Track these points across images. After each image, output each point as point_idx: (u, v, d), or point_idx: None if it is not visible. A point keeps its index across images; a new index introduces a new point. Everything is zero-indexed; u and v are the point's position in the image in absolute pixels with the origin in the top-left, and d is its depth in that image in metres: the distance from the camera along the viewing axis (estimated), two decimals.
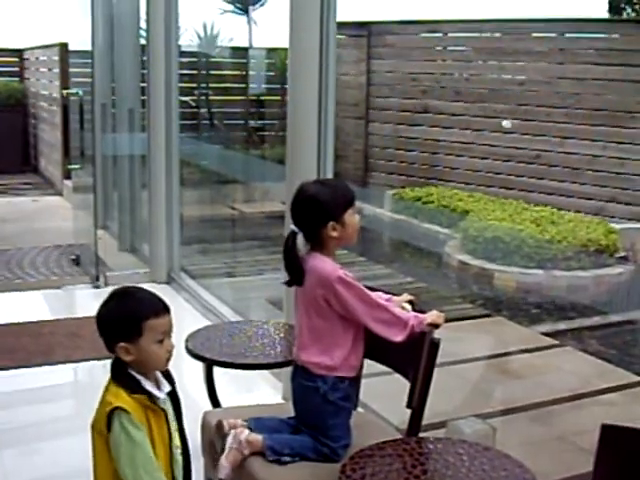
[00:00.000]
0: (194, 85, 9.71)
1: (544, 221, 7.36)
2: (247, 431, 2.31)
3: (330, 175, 3.44)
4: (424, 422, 2.29)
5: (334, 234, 2.29)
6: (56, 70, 9.47)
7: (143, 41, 5.89)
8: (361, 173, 10.37)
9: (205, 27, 10.48)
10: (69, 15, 7.82)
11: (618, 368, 4.80)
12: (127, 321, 1.95)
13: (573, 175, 8.53)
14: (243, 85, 10.31)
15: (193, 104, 9.59)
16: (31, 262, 6.24)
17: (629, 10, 10.25)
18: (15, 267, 6.09)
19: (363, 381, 2.53)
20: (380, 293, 2.39)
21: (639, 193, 7.98)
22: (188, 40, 9.89)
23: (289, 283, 2.36)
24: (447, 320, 2.32)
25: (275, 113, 9.70)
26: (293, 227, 2.32)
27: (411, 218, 8.58)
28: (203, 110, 10.00)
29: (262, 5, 11.58)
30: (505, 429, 3.48)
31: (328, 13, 3.34)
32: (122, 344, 1.94)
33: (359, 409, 2.63)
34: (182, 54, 6.47)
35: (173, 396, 2.07)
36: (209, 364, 2.78)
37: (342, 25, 6.79)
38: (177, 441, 2.05)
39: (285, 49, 3.53)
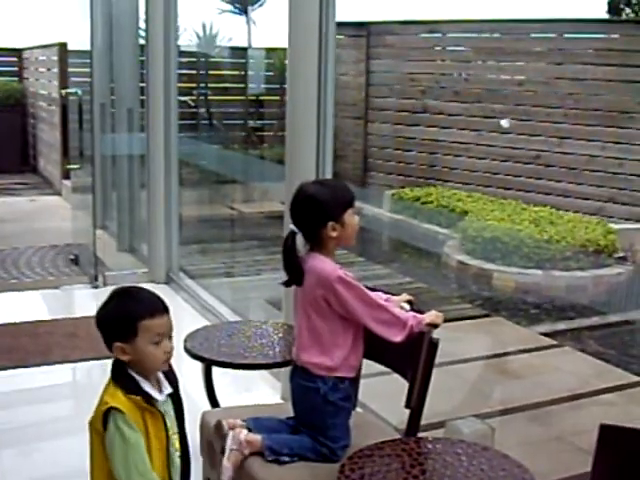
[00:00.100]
0: (193, 85, 9.72)
1: (543, 221, 7.36)
2: (246, 431, 2.31)
3: (329, 175, 3.44)
4: (423, 422, 2.29)
5: (333, 234, 2.29)
6: (55, 70, 9.47)
7: (142, 41, 5.89)
8: (360, 173, 10.38)
9: (204, 27, 10.50)
10: (68, 15, 7.82)
11: (617, 368, 4.81)
12: (123, 321, 1.95)
13: (572, 175, 8.54)
14: (242, 85, 10.31)
15: (192, 104, 9.59)
16: (30, 262, 6.24)
17: (628, 11, 10.26)
18: (13, 267, 6.09)
19: (362, 381, 2.53)
20: (379, 293, 2.39)
21: (638, 193, 7.99)
22: (187, 40, 9.92)
23: (288, 283, 2.36)
24: (446, 320, 2.33)
25: (274, 113, 9.70)
26: (292, 227, 2.32)
27: (410, 218, 8.58)
28: (202, 110, 10.01)
29: (261, 5, 11.60)
30: (504, 429, 3.48)
31: (327, 13, 3.34)
32: (118, 344, 1.95)
33: (358, 409, 2.63)
34: (181, 54, 6.48)
35: (176, 398, 2.06)
36: (208, 364, 2.78)
37: (341, 25, 6.78)
38: (176, 444, 2.04)
39: (284, 49, 3.53)
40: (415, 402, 2.25)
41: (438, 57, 9.92)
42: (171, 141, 5.57)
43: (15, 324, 4.76)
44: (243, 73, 10.32)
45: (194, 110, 9.72)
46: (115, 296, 2.01)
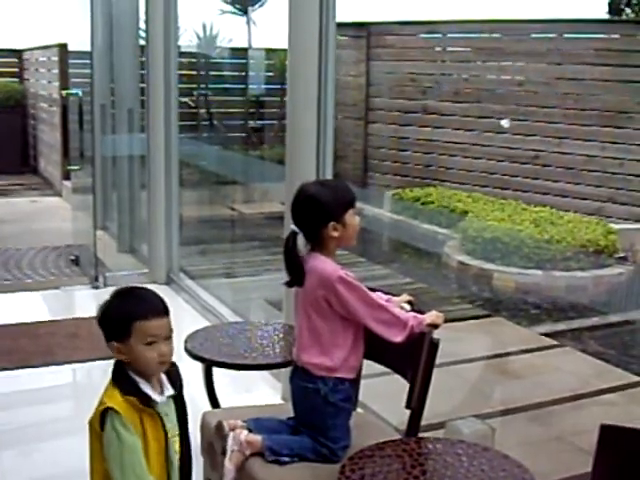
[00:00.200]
0: (193, 86, 9.72)
1: (543, 222, 7.36)
2: (246, 432, 2.31)
3: (329, 176, 3.44)
4: (423, 422, 2.29)
5: (335, 234, 2.29)
6: (55, 71, 9.47)
7: (142, 42, 5.89)
8: (360, 174, 10.38)
9: (204, 28, 10.50)
10: (68, 16, 7.81)
11: (617, 368, 4.81)
12: (117, 321, 1.96)
13: (572, 175, 8.54)
14: (242, 86, 10.31)
15: (192, 105, 9.59)
16: (30, 263, 6.25)
17: (628, 11, 10.25)
18: (14, 268, 6.09)
19: (362, 381, 2.53)
20: (379, 293, 2.39)
21: (637, 193, 7.99)
22: (187, 41, 9.91)
23: (289, 284, 2.36)
24: (446, 320, 2.33)
25: (274, 114, 9.69)
26: (294, 227, 2.32)
27: (410, 219, 8.58)
28: (202, 111, 10.01)
29: (261, 6, 11.59)
30: (504, 429, 3.48)
31: (327, 14, 3.34)
32: (114, 343, 1.95)
33: (358, 409, 2.63)
34: (181, 55, 6.49)
35: (179, 400, 2.06)
36: (208, 365, 2.78)
37: (341, 26, 6.79)
38: (176, 446, 2.03)
39: (284, 50, 3.53)
40: (415, 402, 2.25)
41: (438, 57, 9.92)
42: (171, 142, 5.57)
43: (16, 325, 4.76)
44: (243, 74, 10.32)
45: (194, 111, 9.72)
46: (116, 295, 2.01)
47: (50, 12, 10.56)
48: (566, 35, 8.79)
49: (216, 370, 2.80)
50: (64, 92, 7.33)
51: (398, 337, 2.25)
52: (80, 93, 6.40)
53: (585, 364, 4.87)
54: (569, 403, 4.16)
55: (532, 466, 2.03)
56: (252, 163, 9.61)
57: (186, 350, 2.77)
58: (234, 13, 11.59)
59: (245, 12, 11.46)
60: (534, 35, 9.04)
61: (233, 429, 2.31)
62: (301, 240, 2.31)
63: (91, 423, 1.95)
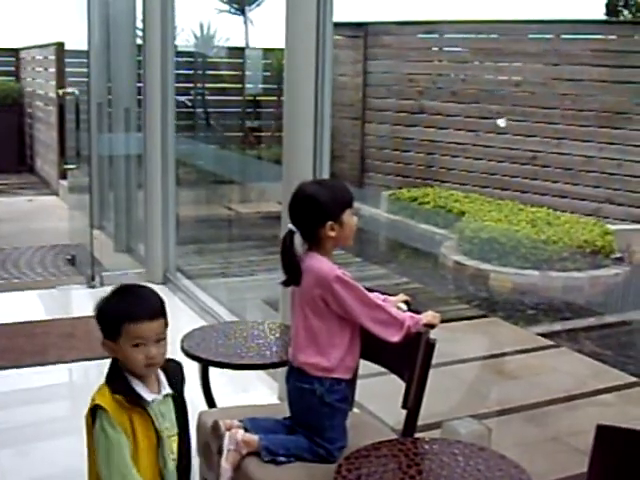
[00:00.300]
0: (190, 85, 9.71)
1: (540, 222, 7.37)
2: (242, 431, 2.31)
3: (326, 175, 3.44)
4: (419, 423, 2.29)
5: (332, 234, 2.29)
6: (52, 69, 9.46)
7: (139, 41, 5.88)
8: (357, 174, 10.38)
9: (202, 27, 10.49)
10: (65, 14, 7.81)
11: (613, 369, 4.81)
12: (109, 320, 1.96)
13: (569, 176, 8.55)
14: (239, 85, 10.31)
15: (189, 104, 9.58)
16: (26, 262, 6.24)
17: (626, 12, 10.26)
18: (10, 267, 6.08)
19: (359, 382, 2.53)
20: (376, 293, 2.39)
21: (634, 194, 8.00)
22: (184, 40, 9.90)
23: (286, 283, 2.36)
24: (443, 321, 2.33)
25: (271, 113, 9.69)
26: (291, 226, 2.32)
27: (407, 219, 8.59)
28: (199, 110, 10.00)
29: (258, 5, 11.58)
30: (500, 430, 3.48)
31: (324, 13, 3.34)
32: (106, 341, 1.97)
33: (355, 410, 2.63)
34: (178, 54, 6.47)
35: (179, 400, 2.05)
36: (205, 364, 2.78)
37: (339, 26, 6.79)
38: (173, 446, 2.02)
39: (282, 49, 3.53)
40: (412, 402, 2.25)
41: (435, 58, 9.93)
42: (168, 141, 5.56)
43: (11, 324, 4.75)
44: (240, 73, 10.32)
45: (191, 110, 9.71)
46: (114, 293, 2.01)
47: (47, 11, 10.56)
48: (563, 36, 8.79)
49: (212, 370, 2.80)
50: (61, 91, 7.31)
51: (395, 337, 2.25)
52: (77, 92, 6.38)
53: (581, 364, 4.88)
54: (565, 403, 4.16)
55: (528, 466, 2.02)
56: (249, 163, 9.61)
57: (182, 350, 2.76)
58: (231, 12, 11.58)
59: (242, 11, 11.46)
60: (531, 36, 9.05)
61: (229, 429, 2.31)
62: (298, 239, 2.31)
63: (86, 419, 1.96)
